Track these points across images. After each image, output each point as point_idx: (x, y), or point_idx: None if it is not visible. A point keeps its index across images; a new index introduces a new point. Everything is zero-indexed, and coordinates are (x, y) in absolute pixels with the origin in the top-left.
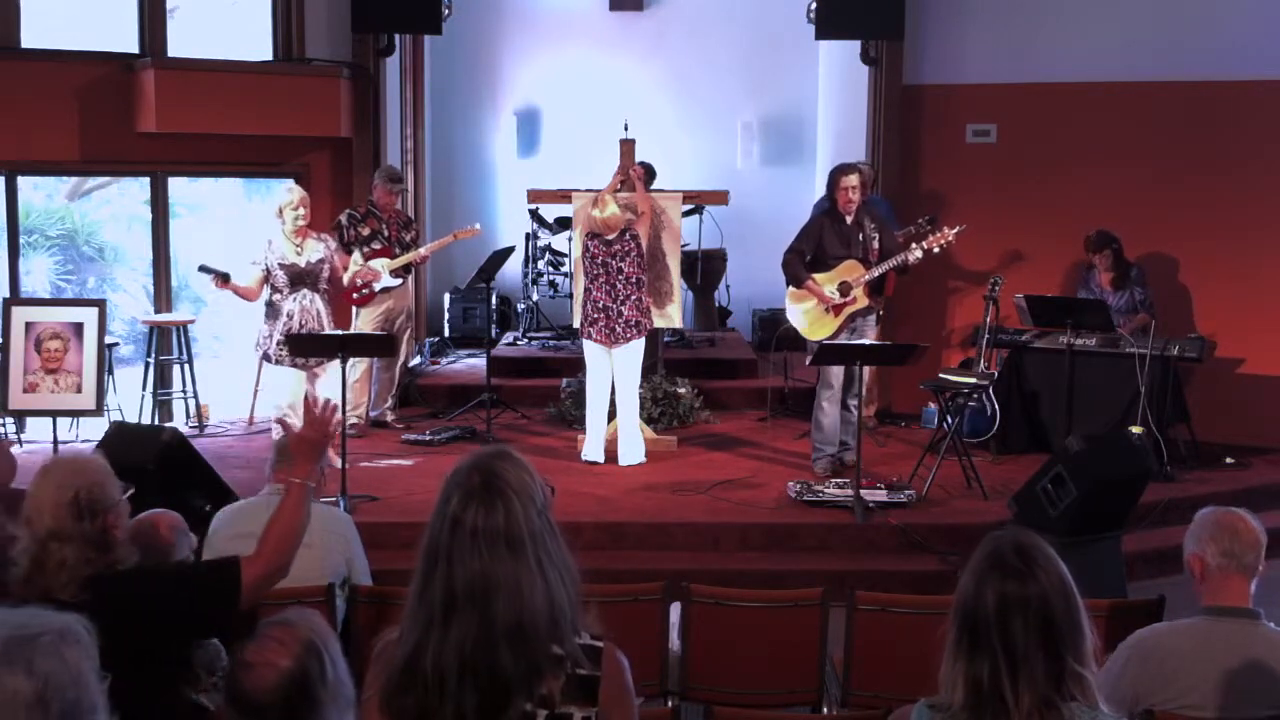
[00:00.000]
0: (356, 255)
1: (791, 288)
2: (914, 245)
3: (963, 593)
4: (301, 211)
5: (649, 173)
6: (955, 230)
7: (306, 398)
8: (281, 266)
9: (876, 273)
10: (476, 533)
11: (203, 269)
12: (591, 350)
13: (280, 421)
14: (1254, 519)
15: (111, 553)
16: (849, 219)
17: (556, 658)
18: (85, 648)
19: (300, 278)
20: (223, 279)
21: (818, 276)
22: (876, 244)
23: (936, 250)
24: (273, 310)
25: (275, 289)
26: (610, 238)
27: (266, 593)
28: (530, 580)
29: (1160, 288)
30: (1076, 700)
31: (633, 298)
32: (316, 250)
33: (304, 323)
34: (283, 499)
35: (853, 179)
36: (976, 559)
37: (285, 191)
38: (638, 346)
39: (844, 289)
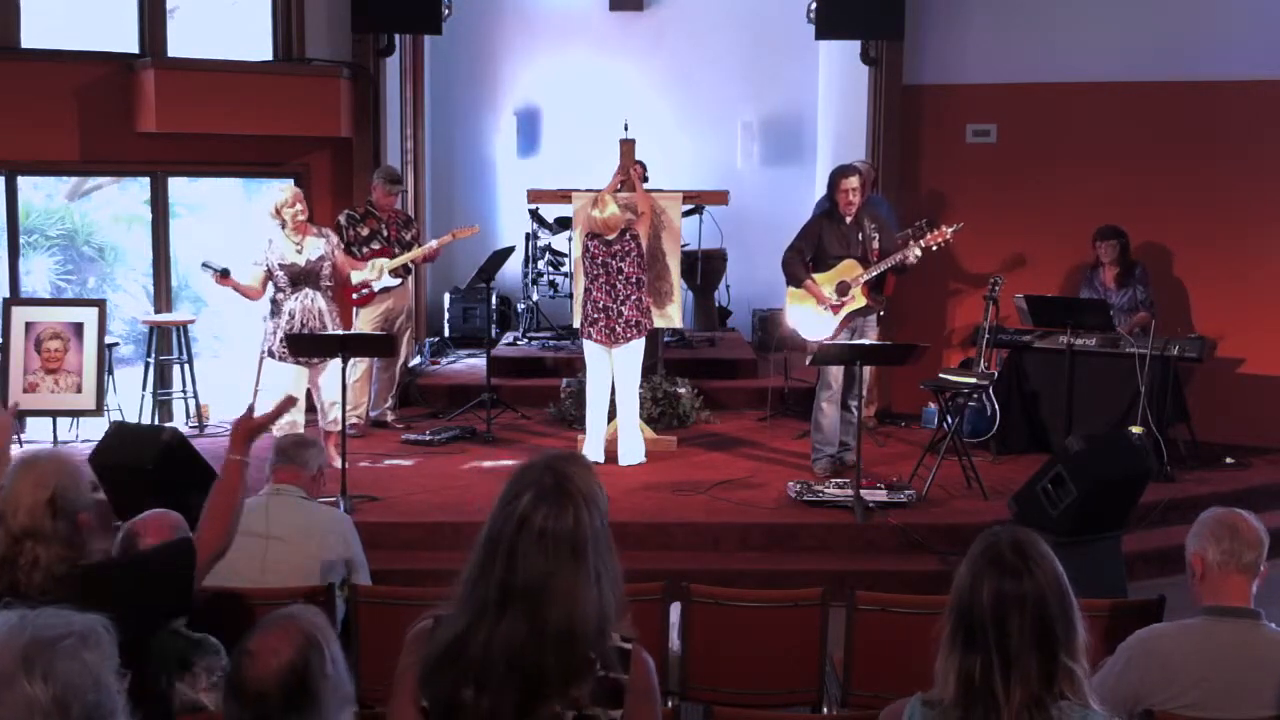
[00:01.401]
0: (379, 263)
1: (790, 288)
2: (912, 244)
3: (959, 588)
4: (299, 208)
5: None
6: (953, 228)
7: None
8: (282, 266)
9: (875, 272)
10: (544, 534)
11: (204, 266)
12: (591, 350)
13: (250, 409)
14: (1255, 519)
15: (82, 550)
16: (849, 219)
17: (589, 661)
18: (105, 649)
19: (301, 277)
20: (222, 274)
21: (816, 276)
22: (876, 244)
23: (935, 248)
24: (276, 308)
25: (278, 288)
26: (610, 238)
27: (265, 592)
28: (586, 589)
29: (1160, 287)
30: (1068, 699)
31: (633, 298)
32: (317, 247)
33: (305, 321)
34: (229, 479)
35: (853, 181)
36: (973, 555)
37: (279, 191)
38: (638, 347)
39: (842, 288)
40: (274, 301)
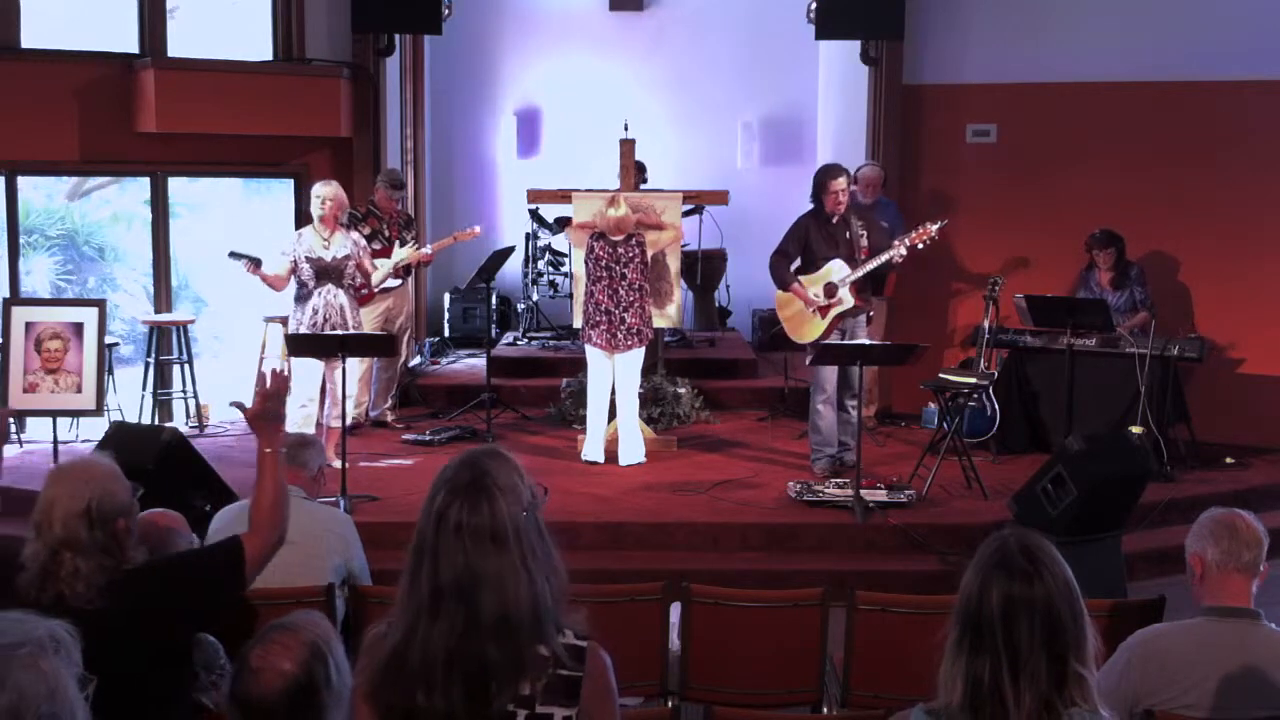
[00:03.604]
0: (383, 262)
1: (779, 291)
2: (897, 243)
3: (967, 592)
4: (327, 204)
5: (640, 170)
6: (938, 225)
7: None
8: (308, 260)
9: (860, 272)
10: (461, 528)
11: (233, 255)
12: (592, 352)
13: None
14: (1254, 519)
15: (123, 555)
16: (835, 219)
17: (540, 658)
18: (67, 657)
19: (325, 272)
20: (254, 263)
21: (804, 278)
22: (865, 243)
23: (920, 246)
24: (302, 300)
25: (301, 281)
26: (616, 239)
27: (265, 592)
28: (514, 576)
29: (1160, 287)
30: (1077, 705)
31: (635, 304)
32: (344, 245)
33: (327, 317)
34: (260, 473)
35: (841, 182)
36: (981, 558)
37: (321, 184)
38: (638, 355)
39: (829, 290)
40: (300, 295)
